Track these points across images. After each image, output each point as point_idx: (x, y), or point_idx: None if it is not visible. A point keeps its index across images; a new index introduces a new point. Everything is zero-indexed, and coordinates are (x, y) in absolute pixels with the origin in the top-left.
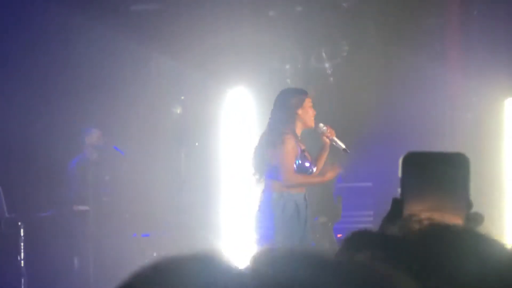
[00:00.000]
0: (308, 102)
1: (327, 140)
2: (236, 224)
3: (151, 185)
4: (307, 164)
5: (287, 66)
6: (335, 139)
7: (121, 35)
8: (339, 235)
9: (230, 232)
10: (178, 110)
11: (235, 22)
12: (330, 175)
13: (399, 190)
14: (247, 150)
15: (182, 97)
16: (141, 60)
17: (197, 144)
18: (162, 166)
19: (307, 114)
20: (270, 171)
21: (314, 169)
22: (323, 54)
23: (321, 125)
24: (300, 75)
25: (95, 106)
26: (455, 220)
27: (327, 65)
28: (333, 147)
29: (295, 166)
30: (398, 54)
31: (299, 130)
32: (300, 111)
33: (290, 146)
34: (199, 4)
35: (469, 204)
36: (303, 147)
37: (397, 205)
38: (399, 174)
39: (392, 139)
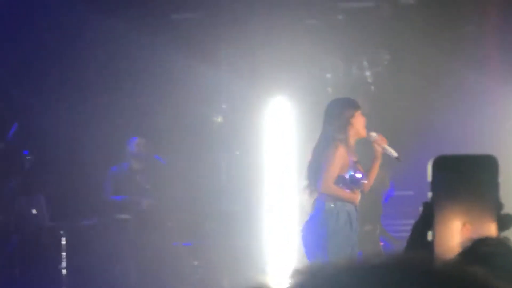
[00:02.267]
0: (359, 113)
1: (379, 149)
2: (278, 234)
3: (192, 193)
4: (358, 176)
5: (328, 75)
6: (387, 147)
7: (163, 44)
8: (381, 243)
9: (273, 242)
10: (219, 119)
11: (276, 31)
12: (356, 196)
13: (429, 194)
14: (288, 159)
15: (223, 106)
16: (182, 69)
17: (237, 152)
18: (203, 174)
19: (359, 124)
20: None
21: (366, 181)
22: (364, 63)
23: (373, 133)
24: (342, 84)
25: (137, 115)
26: (487, 222)
27: (368, 73)
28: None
29: (347, 177)
30: (438, 62)
31: (352, 140)
32: (352, 121)
33: (339, 155)
34: (240, 13)
35: (499, 206)
36: (355, 159)
37: (428, 209)
38: (429, 178)
39: (433, 147)
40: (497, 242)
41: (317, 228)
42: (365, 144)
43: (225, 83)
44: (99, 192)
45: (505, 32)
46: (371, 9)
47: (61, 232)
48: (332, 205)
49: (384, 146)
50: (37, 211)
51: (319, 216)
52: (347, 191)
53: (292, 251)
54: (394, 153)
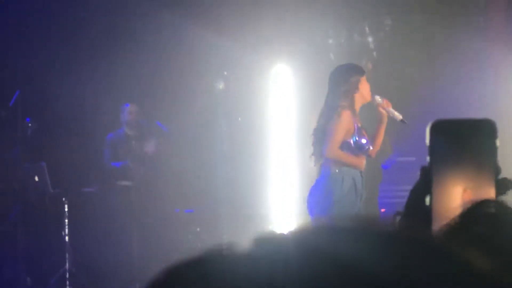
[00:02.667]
0: (364, 78)
1: (384, 112)
2: (281, 200)
3: (193, 160)
4: (363, 141)
5: (330, 41)
6: (392, 110)
7: (164, 9)
8: (382, 210)
9: (276, 208)
10: (221, 86)
11: None
12: (361, 161)
13: (427, 158)
14: (290, 125)
15: (225, 72)
16: (184, 35)
17: (240, 119)
18: (205, 141)
19: (365, 89)
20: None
21: (371, 147)
22: (366, 29)
23: (377, 97)
24: (344, 50)
25: (139, 82)
26: (486, 186)
27: (370, 39)
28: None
29: (352, 142)
30: (442, 28)
31: (357, 105)
32: (357, 87)
33: (345, 120)
34: None
35: (497, 170)
36: (359, 124)
37: (426, 173)
38: (427, 142)
39: (435, 113)
40: (497, 204)
41: (323, 194)
42: (369, 109)
43: (227, 49)
44: (100, 159)
45: None
46: None
47: (64, 199)
48: (337, 170)
49: (389, 109)
50: (39, 178)
51: (324, 181)
52: (352, 156)
53: (295, 218)
54: (399, 116)
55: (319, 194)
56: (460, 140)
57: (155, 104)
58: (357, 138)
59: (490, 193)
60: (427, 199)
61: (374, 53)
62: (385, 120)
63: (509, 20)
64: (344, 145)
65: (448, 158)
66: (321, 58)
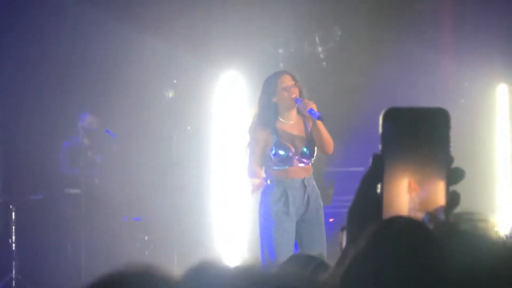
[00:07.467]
0: (281, 82)
1: (305, 113)
2: (228, 209)
3: (142, 168)
4: (281, 152)
5: (280, 51)
6: (312, 109)
7: (114, 18)
8: (330, 219)
9: (223, 217)
10: (171, 94)
11: (228, 5)
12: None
13: (380, 146)
14: (239, 134)
15: (175, 81)
16: (134, 44)
17: (189, 128)
18: (154, 149)
19: (282, 96)
20: None
21: (296, 156)
22: (317, 39)
23: (294, 97)
24: (293, 60)
25: (87, 89)
26: (436, 175)
27: (320, 49)
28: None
29: (271, 154)
30: (391, 39)
31: (283, 111)
32: (275, 97)
33: (255, 136)
34: None
35: (450, 159)
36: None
37: (378, 161)
38: (379, 130)
39: None
40: (407, 220)
41: (260, 203)
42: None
43: (177, 58)
44: (49, 167)
45: (458, 11)
46: None
47: (11, 206)
48: (269, 181)
49: (308, 110)
50: None
51: (262, 191)
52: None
53: (241, 227)
54: (316, 113)
55: (259, 202)
56: (413, 128)
57: (104, 112)
58: (274, 150)
59: (440, 182)
60: (378, 187)
61: (324, 63)
62: (312, 118)
63: (457, 32)
64: (266, 159)
65: (400, 146)
66: (271, 67)
